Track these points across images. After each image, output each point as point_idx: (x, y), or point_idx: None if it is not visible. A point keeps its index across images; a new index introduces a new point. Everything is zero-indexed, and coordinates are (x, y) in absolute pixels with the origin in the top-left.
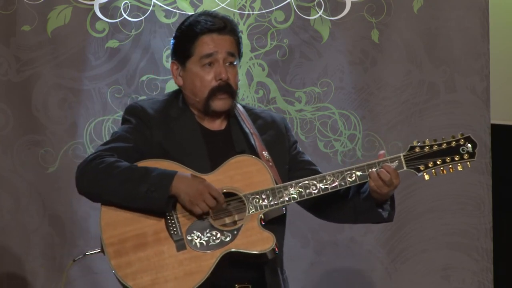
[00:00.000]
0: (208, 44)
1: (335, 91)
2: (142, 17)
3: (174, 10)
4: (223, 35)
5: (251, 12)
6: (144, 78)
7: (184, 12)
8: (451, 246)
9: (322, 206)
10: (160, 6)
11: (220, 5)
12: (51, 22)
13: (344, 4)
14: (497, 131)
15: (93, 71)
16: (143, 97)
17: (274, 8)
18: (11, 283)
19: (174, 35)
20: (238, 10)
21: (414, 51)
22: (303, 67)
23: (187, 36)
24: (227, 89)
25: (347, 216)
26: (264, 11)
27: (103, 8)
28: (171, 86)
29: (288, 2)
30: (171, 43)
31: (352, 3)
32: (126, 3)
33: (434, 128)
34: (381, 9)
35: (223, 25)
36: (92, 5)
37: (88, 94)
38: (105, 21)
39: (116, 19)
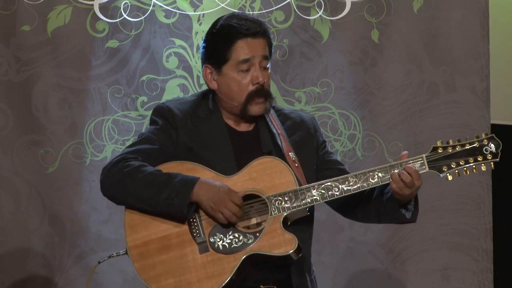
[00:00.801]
0: (245, 49)
1: (335, 91)
2: (142, 17)
3: (174, 10)
4: (258, 38)
5: (251, 12)
6: (144, 78)
7: (184, 12)
8: (451, 246)
9: (349, 206)
10: (160, 6)
11: (220, 5)
12: (51, 22)
13: (344, 4)
14: (497, 131)
15: (93, 71)
16: (144, 98)
17: (274, 8)
18: (11, 283)
19: (205, 39)
20: (238, 10)
21: (414, 51)
22: (303, 67)
23: (222, 41)
24: (264, 93)
25: (371, 217)
26: (264, 11)
27: (103, 8)
28: (171, 86)
29: (288, 2)
30: (202, 47)
31: (352, 3)
32: (126, 3)
33: (434, 128)
34: (381, 9)
35: (257, 29)
36: (92, 5)
37: (88, 94)
38: (105, 21)
39: (116, 19)
